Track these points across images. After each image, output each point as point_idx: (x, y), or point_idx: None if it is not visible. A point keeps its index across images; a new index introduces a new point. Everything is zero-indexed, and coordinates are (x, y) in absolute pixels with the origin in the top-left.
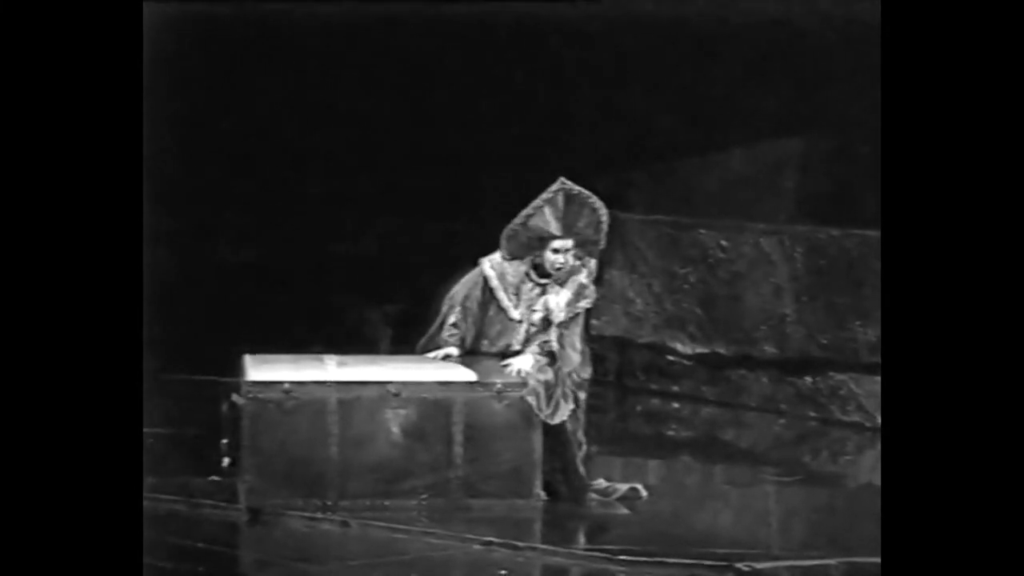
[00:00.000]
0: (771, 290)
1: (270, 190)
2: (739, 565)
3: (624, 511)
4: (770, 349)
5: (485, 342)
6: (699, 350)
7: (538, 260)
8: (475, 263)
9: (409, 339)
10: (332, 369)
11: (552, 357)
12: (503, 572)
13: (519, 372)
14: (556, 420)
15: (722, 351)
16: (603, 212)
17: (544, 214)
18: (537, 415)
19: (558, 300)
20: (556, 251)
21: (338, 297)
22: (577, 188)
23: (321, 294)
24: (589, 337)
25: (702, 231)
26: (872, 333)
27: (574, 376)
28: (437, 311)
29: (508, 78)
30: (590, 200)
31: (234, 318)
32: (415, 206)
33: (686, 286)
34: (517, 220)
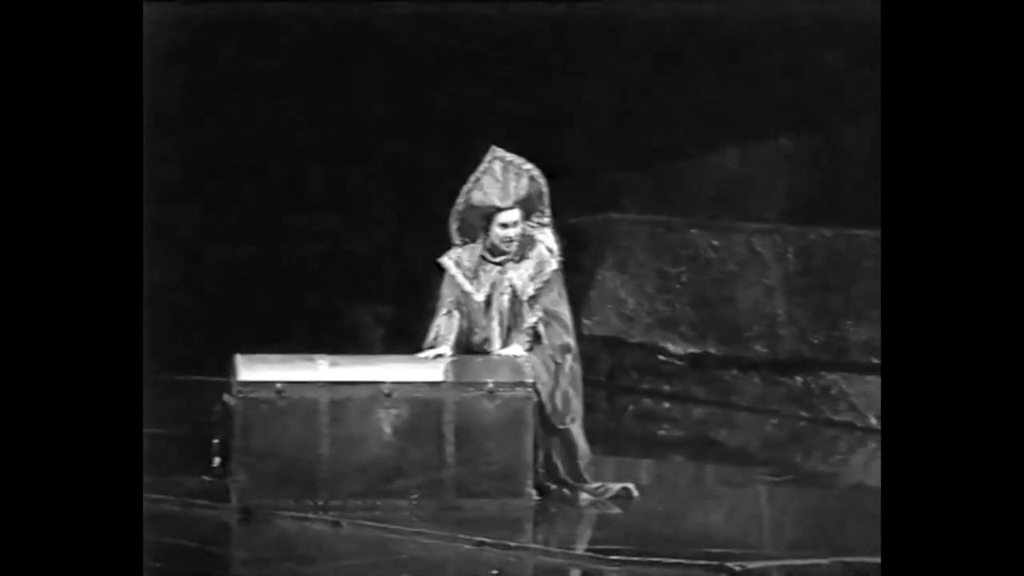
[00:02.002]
0: (763, 290)
1: (266, 191)
2: (731, 565)
3: (616, 511)
4: (762, 349)
5: (474, 330)
6: (691, 350)
7: (490, 241)
8: (438, 267)
9: (401, 340)
10: (324, 369)
11: (537, 337)
12: (495, 572)
13: (516, 358)
14: (566, 422)
15: (714, 351)
16: (542, 180)
17: (483, 186)
18: (543, 415)
19: (521, 275)
20: (504, 225)
21: (330, 298)
22: (510, 156)
23: (312, 295)
24: (580, 336)
25: (694, 231)
26: (864, 333)
27: (571, 362)
28: (428, 311)
29: (504, 78)
30: (526, 168)
31: (225, 318)
32: (409, 207)
33: (678, 286)
34: (459, 199)
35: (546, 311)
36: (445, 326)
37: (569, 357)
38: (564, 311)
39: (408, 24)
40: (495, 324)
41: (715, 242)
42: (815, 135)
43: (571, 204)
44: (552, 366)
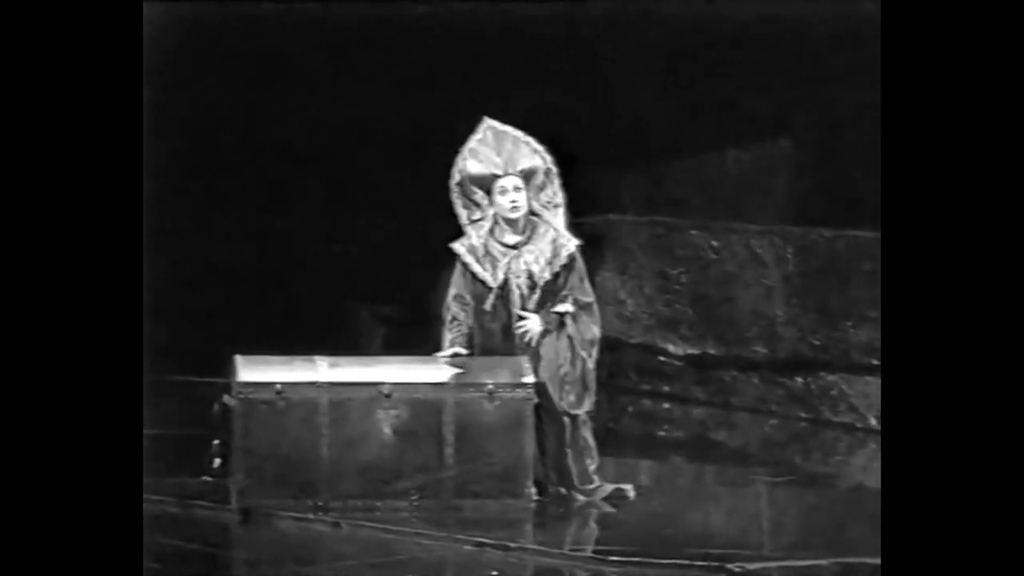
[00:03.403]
0: (762, 291)
1: (265, 190)
2: (731, 566)
3: (616, 511)
4: (761, 350)
5: (487, 317)
6: (690, 351)
7: (495, 215)
8: (450, 252)
9: (401, 340)
10: (324, 370)
11: (561, 322)
12: (494, 573)
13: (529, 338)
14: (580, 409)
15: (713, 352)
16: (547, 156)
17: (478, 155)
18: (550, 407)
19: (537, 259)
20: (504, 191)
21: (330, 298)
22: (503, 126)
23: (313, 295)
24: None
25: (693, 232)
26: (864, 334)
27: (591, 354)
28: (427, 312)
29: (503, 79)
30: (524, 139)
31: (225, 319)
32: (408, 206)
33: (677, 287)
34: (455, 170)
35: (576, 301)
36: (455, 331)
37: (595, 351)
38: (592, 299)
39: (407, 24)
40: (514, 309)
41: (715, 243)
42: (815, 136)
43: (570, 205)
44: (568, 355)
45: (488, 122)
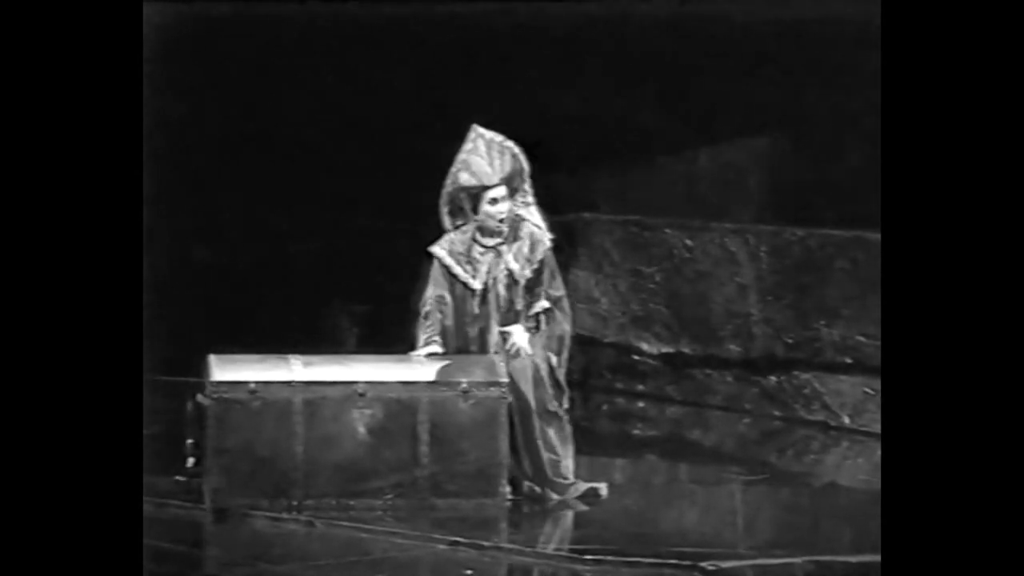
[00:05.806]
0: (736, 289)
1: (245, 190)
2: (704, 564)
3: (591, 510)
4: (735, 348)
5: (466, 319)
6: (664, 349)
7: (480, 221)
8: (428, 255)
9: (375, 339)
10: (298, 369)
11: (538, 323)
12: (469, 572)
13: (517, 348)
14: (554, 406)
15: (687, 350)
16: (523, 157)
17: (471, 166)
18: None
19: (516, 257)
20: (494, 201)
21: (304, 297)
22: (490, 133)
23: (287, 294)
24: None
25: (667, 230)
26: (837, 332)
27: (562, 351)
28: (404, 311)
29: (478, 79)
30: (508, 145)
31: (199, 317)
32: (385, 205)
33: (651, 285)
34: (448, 181)
35: (548, 296)
36: (431, 326)
37: (566, 349)
38: (563, 294)
39: (403, 25)
40: (493, 310)
41: (688, 242)
42: (787, 135)
43: (545, 203)
44: (543, 353)
45: (478, 130)
